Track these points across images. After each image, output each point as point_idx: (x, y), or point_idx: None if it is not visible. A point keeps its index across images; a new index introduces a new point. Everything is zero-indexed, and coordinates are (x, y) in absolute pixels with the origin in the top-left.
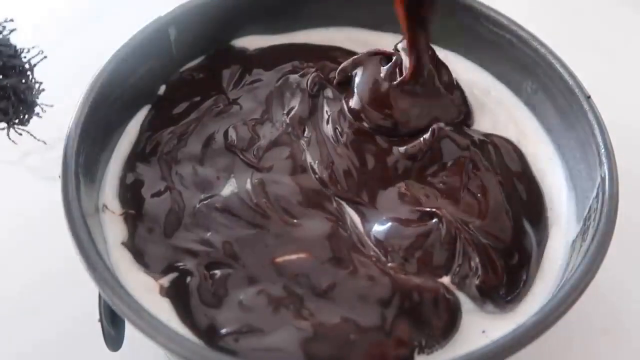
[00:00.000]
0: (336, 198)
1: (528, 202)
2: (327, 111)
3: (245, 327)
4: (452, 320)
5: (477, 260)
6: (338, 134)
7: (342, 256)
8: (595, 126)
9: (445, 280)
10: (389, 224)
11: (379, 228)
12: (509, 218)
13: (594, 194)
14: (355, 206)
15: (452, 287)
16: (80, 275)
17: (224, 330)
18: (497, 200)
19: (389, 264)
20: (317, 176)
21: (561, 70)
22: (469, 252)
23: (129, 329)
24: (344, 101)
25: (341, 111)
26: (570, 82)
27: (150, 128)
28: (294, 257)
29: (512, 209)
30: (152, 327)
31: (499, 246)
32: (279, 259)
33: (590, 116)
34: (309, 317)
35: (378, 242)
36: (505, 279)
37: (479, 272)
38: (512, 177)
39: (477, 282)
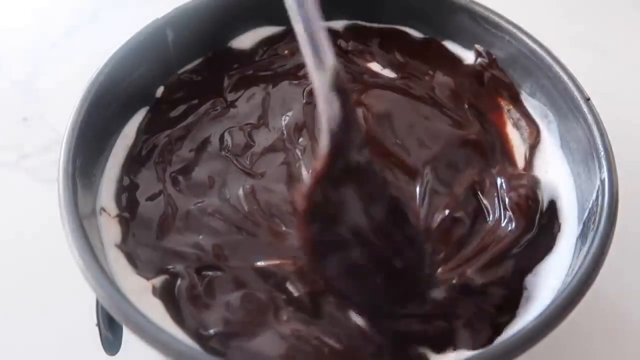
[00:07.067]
0: None
1: None
2: None
3: (231, 329)
4: None
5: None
6: None
7: None
8: (595, 129)
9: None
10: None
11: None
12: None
13: (594, 196)
14: None
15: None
16: (78, 278)
17: (211, 331)
18: None
19: None
20: None
21: (560, 71)
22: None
23: (127, 333)
24: None
25: None
26: (570, 83)
27: (147, 131)
28: (280, 263)
29: None
30: (151, 333)
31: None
32: (264, 264)
33: (590, 118)
34: (294, 324)
35: None
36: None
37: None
38: None
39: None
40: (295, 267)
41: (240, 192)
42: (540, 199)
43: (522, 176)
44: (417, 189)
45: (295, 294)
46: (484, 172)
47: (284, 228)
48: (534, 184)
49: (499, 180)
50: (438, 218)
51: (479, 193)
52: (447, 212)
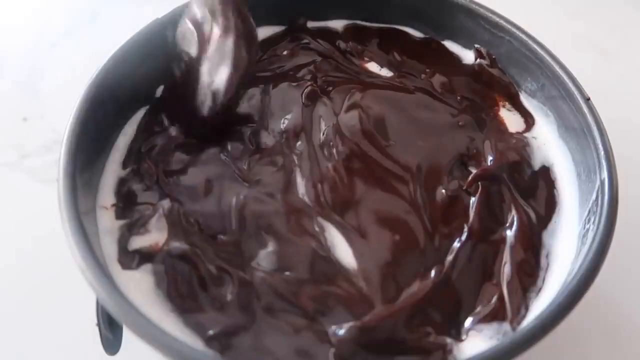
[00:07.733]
0: (319, 218)
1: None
2: (323, 124)
3: (232, 329)
4: None
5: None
6: (332, 149)
7: (326, 280)
8: (595, 129)
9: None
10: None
11: (371, 268)
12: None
13: (594, 196)
14: (341, 229)
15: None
16: (78, 278)
17: (210, 332)
18: None
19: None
20: (303, 194)
21: (560, 71)
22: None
23: (127, 333)
24: (341, 115)
25: (337, 126)
26: (570, 83)
27: (147, 131)
28: (274, 271)
29: None
30: (151, 333)
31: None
32: (260, 272)
33: (590, 118)
34: (294, 326)
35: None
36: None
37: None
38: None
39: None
40: (296, 278)
41: (233, 201)
42: (532, 161)
43: (510, 136)
44: (410, 190)
45: (305, 307)
46: (474, 141)
47: (277, 239)
48: (522, 146)
49: (486, 144)
50: (438, 202)
51: (466, 164)
52: (443, 191)
